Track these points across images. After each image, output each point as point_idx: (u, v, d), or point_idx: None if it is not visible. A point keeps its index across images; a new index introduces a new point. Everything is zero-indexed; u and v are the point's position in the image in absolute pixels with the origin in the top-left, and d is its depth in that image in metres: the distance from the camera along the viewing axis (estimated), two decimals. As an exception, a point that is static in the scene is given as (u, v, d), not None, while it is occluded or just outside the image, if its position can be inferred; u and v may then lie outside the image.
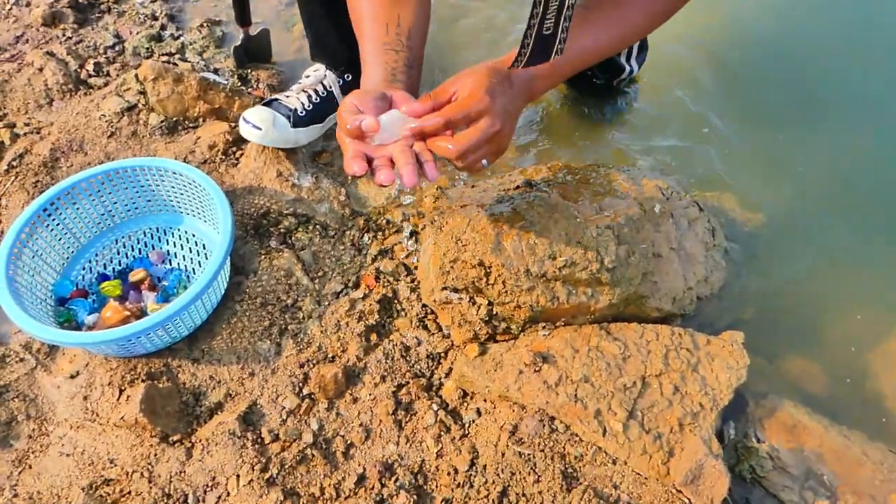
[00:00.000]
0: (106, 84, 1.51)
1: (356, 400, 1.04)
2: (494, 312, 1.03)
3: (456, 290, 1.03)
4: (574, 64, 0.96)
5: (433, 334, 1.11)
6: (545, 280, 1.01)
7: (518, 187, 1.16)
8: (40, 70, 1.49)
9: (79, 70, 1.53)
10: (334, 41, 1.32)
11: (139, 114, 1.42)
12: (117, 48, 1.65)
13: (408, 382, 1.06)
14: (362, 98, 0.84)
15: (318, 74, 1.34)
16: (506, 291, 1.00)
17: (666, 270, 1.14)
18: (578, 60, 0.96)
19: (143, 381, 1.03)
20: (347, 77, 1.35)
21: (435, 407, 1.02)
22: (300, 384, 1.05)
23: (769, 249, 1.34)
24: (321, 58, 1.35)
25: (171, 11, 1.79)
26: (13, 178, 1.30)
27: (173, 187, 1.21)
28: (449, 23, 1.80)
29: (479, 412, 1.01)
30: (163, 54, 1.64)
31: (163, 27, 1.73)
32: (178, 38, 1.70)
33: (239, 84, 1.56)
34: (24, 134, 1.37)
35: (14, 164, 1.31)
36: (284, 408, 1.03)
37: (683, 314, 1.17)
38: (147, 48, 1.65)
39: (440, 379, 1.07)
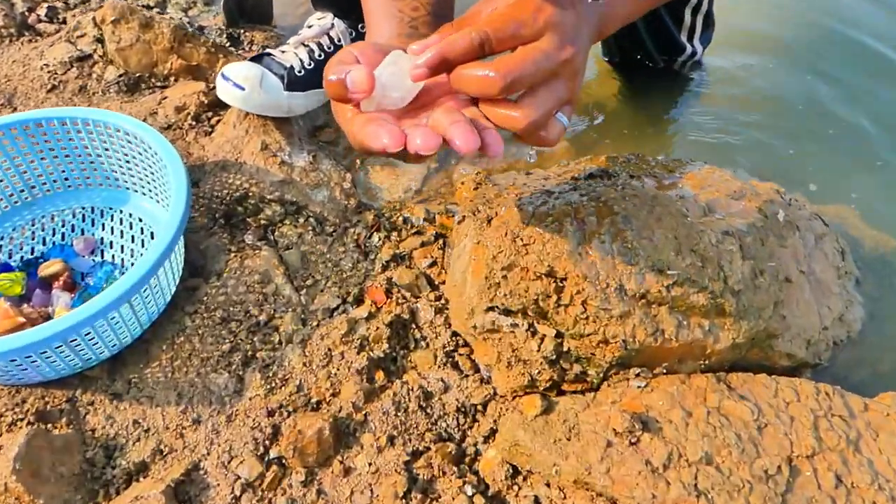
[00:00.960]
0: (58, 32, 1.18)
1: (349, 471, 0.69)
2: (566, 349, 0.68)
3: (508, 313, 0.68)
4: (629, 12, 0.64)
5: (467, 377, 0.76)
6: (646, 303, 0.66)
7: (592, 175, 0.82)
8: (-23, 10, 1.17)
9: (26, 14, 1.20)
10: None
11: (93, 66, 1.09)
12: (83, -4, 1.33)
13: (428, 448, 0.70)
14: (364, 48, 0.52)
15: (323, 24, 1.01)
16: (587, 318, 0.65)
17: (797, 301, 0.80)
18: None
19: (29, 423, 0.68)
20: (362, 27, 1.02)
21: (469, 490, 0.66)
22: (266, 442, 0.70)
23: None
24: (327, 3, 1.02)
25: (156, -37, 1.47)
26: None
27: (117, 153, 0.87)
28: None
29: (537, 502, 0.65)
30: (138, 6, 1.31)
31: (143, -21, 1.41)
32: (159, -9, 1.38)
33: (227, 44, 1.24)
34: (-60, 82, 1.04)
35: (-84, 116, 0.98)
36: (240, 478, 0.67)
37: (817, 364, 0.82)
38: (119, -1, 1.32)
39: (476, 445, 0.71)
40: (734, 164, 1.15)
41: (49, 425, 0.69)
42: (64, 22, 1.22)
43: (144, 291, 0.71)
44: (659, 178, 0.85)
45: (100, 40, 1.11)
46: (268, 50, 1.01)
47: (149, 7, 1.33)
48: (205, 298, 0.82)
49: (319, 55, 0.99)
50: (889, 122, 1.26)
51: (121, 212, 0.90)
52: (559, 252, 0.64)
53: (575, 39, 0.51)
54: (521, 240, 0.66)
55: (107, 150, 0.87)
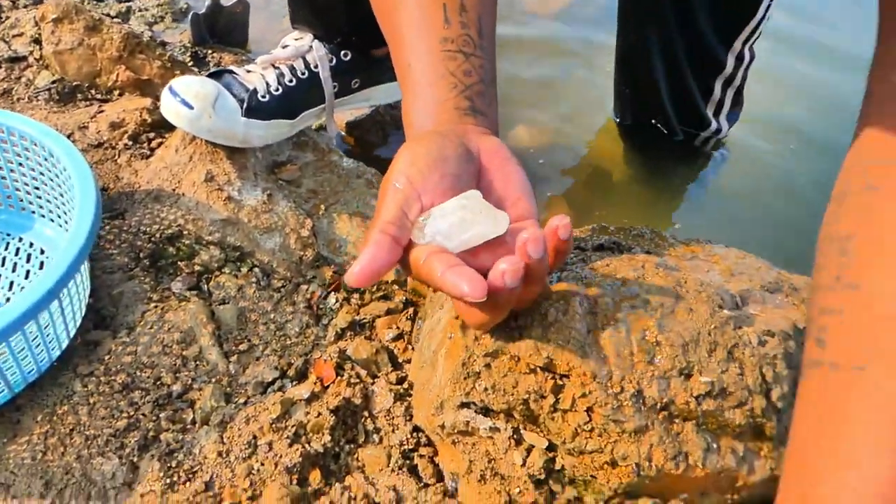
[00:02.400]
0: (-6, 31, 1.06)
1: None
2: (559, 467, 0.54)
3: (488, 412, 0.54)
4: None
5: (427, 486, 0.61)
6: (667, 417, 0.52)
7: (602, 247, 0.70)
8: None
9: (-40, 8, 1.08)
10: None
11: (25, 69, 0.96)
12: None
13: (367, 584, 0.54)
14: (425, 170, 0.49)
15: (299, 45, 0.90)
16: (591, 429, 0.51)
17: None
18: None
19: None
20: (345, 55, 0.91)
21: None
22: (153, 559, 0.54)
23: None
24: (308, 21, 0.91)
25: (125, -27, 1.37)
26: None
27: (22, 166, 0.73)
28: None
29: None
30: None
31: (108, -13, 1.30)
32: (124, 0, 1.28)
33: (190, 63, 1.12)
34: None
35: None
36: None
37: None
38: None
39: (430, 583, 0.56)
40: (753, 249, 1.05)
41: None
42: (4, 21, 1.10)
43: (16, 340, 0.56)
44: (680, 257, 0.73)
45: (37, 41, 0.98)
46: (230, 67, 0.89)
47: (108, 16, 1.22)
48: (106, 358, 0.66)
49: (290, 80, 0.88)
50: None
51: (19, 239, 0.76)
52: (563, 340, 0.51)
53: None
54: (514, 319, 0.53)
55: (9, 161, 0.73)
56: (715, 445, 0.54)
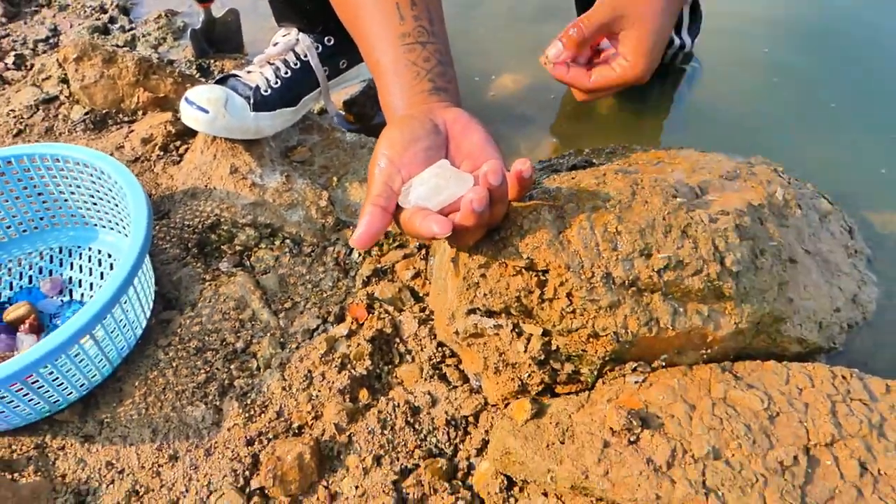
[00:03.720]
0: (25, 78, 1.19)
1: (335, 497, 0.66)
2: (554, 347, 0.65)
3: (490, 314, 0.66)
4: None
5: (455, 388, 0.74)
6: (636, 291, 0.63)
7: (574, 167, 0.80)
8: (-58, 62, 1.19)
9: (-8, 62, 1.22)
10: None
11: (59, 107, 1.10)
12: (51, 41, 1.35)
13: (417, 465, 0.67)
14: (401, 150, 0.61)
15: (287, 40, 1.01)
16: (573, 311, 0.63)
17: (804, 283, 0.77)
18: None
19: (-7, 473, 0.66)
20: (328, 40, 1.02)
21: (462, 507, 0.63)
22: (247, 473, 0.67)
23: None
24: (290, 17, 1.02)
25: (125, 3, 1.49)
26: None
27: (81, 188, 0.86)
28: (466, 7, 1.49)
29: (535, 515, 0.62)
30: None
31: (112, 19, 1.43)
32: (129, 30, 1.40)
33: (197, 75, 1.24)
34: None
35: None
36: (218, 513, 0.65)
37: (832, 348, 0.79)
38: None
39: (469, 458, 0.68)
40: (731, 149, 1.13)
41: (15, 474, 0.67)
42: (31, 68, 1.24)
43: (109, 325, 0.70)
44: (647, 163, 0.83)
45: (64, 80, 1.11)
46: (233, 71, 1.01)
47: (119, 47, 1.34)
48: (179, 330, 0.80)
49: (286, 72, 0.99)
50: (879, 104, 1.24)
51: (89, 249, 0.89)
52: (539, 243, 0.62)
53: None
54: (497, 233, 0.64)
55: (70, 186, 0.86)
56: (681, 309, 0.65)
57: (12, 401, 0.66)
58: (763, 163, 0.91)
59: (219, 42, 1.31)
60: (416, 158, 0.61)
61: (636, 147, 0.89)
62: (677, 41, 1.26)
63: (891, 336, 0.88)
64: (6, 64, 1.23)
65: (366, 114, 1.16)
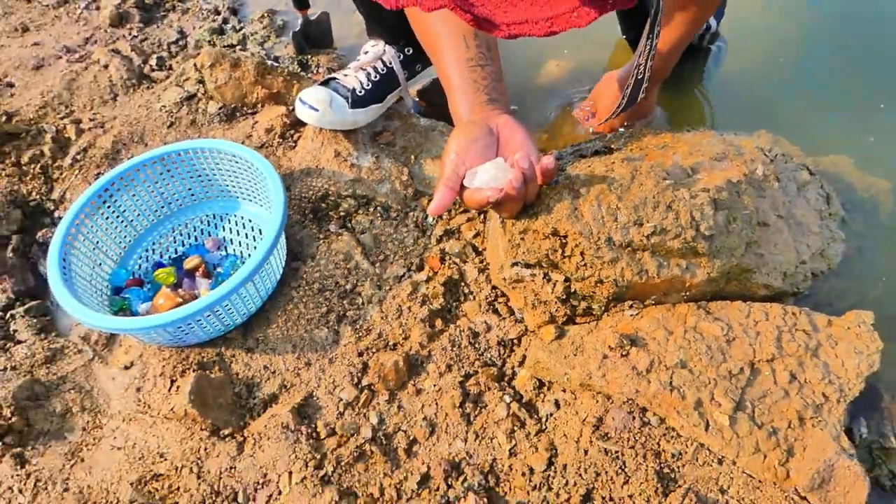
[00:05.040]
0: (168, 77, 1.49)
1: (419, 391, 0.94)
2: (573, 290, 0.90)
3: (528, 266, 0.91)
4: (676, 51, 1.11)
5: (504, 319, 1.00)
6: (631, 250, 0.87)
7: (596, 152, 1.03)
8: (105, 67, 1.49)
9: (142, 65, 1.52)
10: (390, 14, 1.23)
11: (198, 102, 1.38)
12: (180, 43, 1.63)
13: (476, 372, 0.95)
14: (465, 149, 0.85)
15: (376, 50, 1.26)
16: (585, 264, 0.87)
17: (774, 241, 0.98)
18: (672, 57, 1.10)
19: (194, 370, 0.97)
20: (408, 51, 1.26)
21: (507, 399, 0.90)
22: (359, 374, 0.96)
23: (898, 220, 1.15)
24: (378, 33, 1.27)
25: (234, 5, 1.76)
26: (77, 171, 1.28)
27: (228, 171, 1.15)
28: None
29: (557, 404, 0.88)
30: (224, 46, 1.61)
31: (225, 21, 1.70)
32: (239, 30, 1.68)
33: (299, 70, 1.51)
34: (89, 129, 1.36)
35: (78, 157, 1.30)
36: (342, 400, 0.94)
37: (797, 293, 1.01)
38: (209, 41, 1.63)
39: (513, 368, 0.95)
40: (744, 120, 1.32)
41: (207, 371, 0.98)
42: (171, 68, 1.53)
43: (261, 274, 0.99)
44: (654, 147, 1.05)
45: (201, 81, 1.40)
46: (333, 74, 1.27)
47: (232, 46, 1.62)
48: (304, 276, 1.09)
49: (375, 76, 1.24)
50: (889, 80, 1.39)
51: (235, 215, 1.19)
52: (560, 216, 0.87)
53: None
54: (532, 209, 0.89)
55: (219, 168, 1.15)
56: (665, 263, 0.88)
57: (202, 323, 0.96)
58: (757, 140, 1.11)
59: (315, 40, 1.56)
60: (476, 153, 0.86)
61: (646, 131, 1.10)
62: (704, 25, 1.43)
63: (859, 283, 1.08)
64: (151, 66, 1.53)
65: (436, 102, 1.40)
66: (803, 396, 0.83)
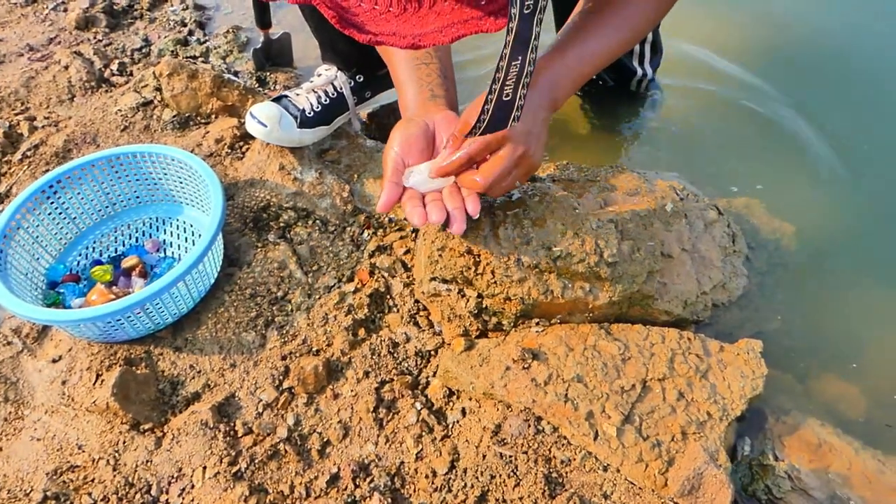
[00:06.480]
0: (127, 83, 1.52)
1: (337, 396, 0.98)
2: (484, 306, 0.95)
3: (445, 281, 0.96)
4: (592, 67, 0.94)
5: (424, 331, 1.04)
6: (538, 272, 0.93)
7: (553, 178, 1.09)
8: (66, 68, 1.52)
9: (103, 69, 1.55)
10: (345, 45, 1.29)
11: (154, 109, 1.42)
12: (144, 50, 1.67)
13: (392, 379, 0.99)
14: (406, 146, 0.88)
15: (329, 74, 1.31)
16: (495, 282, 0.92)
17: (677, 272, 1.05)
18: (591, 65, 0.93)
19: (120, 366, 0.99)
20: (359, 78, 1.31)
21: (419, 406, 0.94)
22: (280, 377, 1.00)
23: (799, 261, 1.23)
24: (332, 59, 1.32)
25: (201, 19, 1.81)
26: (25, 167, 1.30)
27: (175, 176, 1.18)
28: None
29: (464, 412, 0.93)
30: (187, 57, 1.65)
31: (190, 33, 1.75)
32: (203, 42, 1.72)
33: (256, 85, 1.55)
34: (43, 126, 1.38)
35: (28, 153, 1.32)
36: (262, 400, 0.97)
37: (697, 321, 1.07)
38: (172, 51, 1.66)
39: (427, 377, 0.99)
40: (671, 161, 1.40)
41: (133, 367, 1.00)
42: (131, 74, 1.56)
43: (194, 275, 1.02)
44: (575, 181, 1.12)
45: (158, 89, 1.43)
46: (286, 92, 1.31)
47: (195, 57, 1.66)
48: (238, 281, 1.12)
49: (325, 100, 1.29)
50: (823, 126, 1.49)
51: (177, 220, 1.22)
52: (476, 237, 0.92)
53: (527, 138, 0.84)
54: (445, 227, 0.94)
55: (166, 174, 1.18)
56: (570, 285, 0.94)
57: (132, 320, 0.98)
58: (669, 181, 1.18)
59: (275, 58, 1.61)
60: (414, 150, 0.89)
61: (570, 165, 1.16)
62: (640, 71, 1.51)
63: (753, 315, 1.15)
64: (112, 70, 1.56)
65: (384, 125, 1.46)
66: (689, 413, 0.88)
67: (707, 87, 1.60)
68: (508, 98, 0.73)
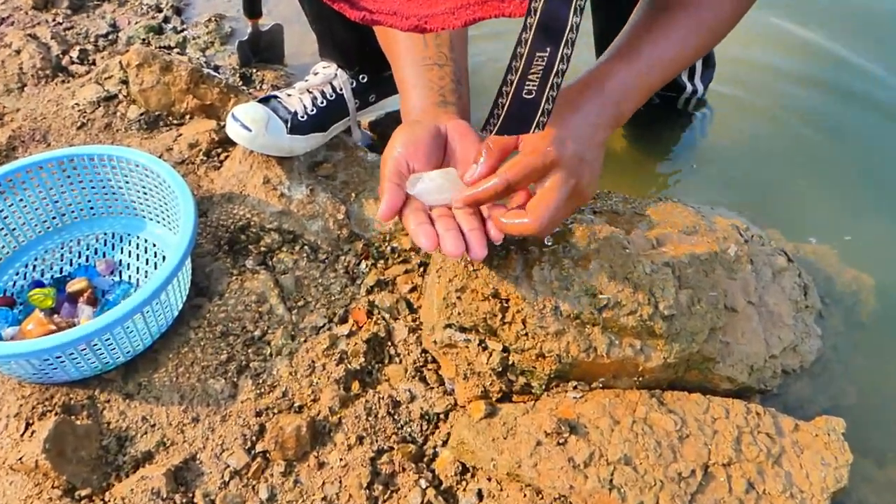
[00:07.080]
0: (88, 73, 1.45)
1: (322, 465, 0.89)
2: (511, 362, 0.87)
3: (463, 329, 0.88)
4: (661, 77, 0.86)
5: (432, 388, 0.96)
6: (579, 323, 0.85)
7: (594, 210, 1.02)
8: (18, 52, 1.45)
9: (61, 56, 1.48)
10: (347, 38, 1.22)
11: (118, 105, 1.35)
12: (110, 37, 1.60)
13: (392, 448, 0.90)
14: (412, 148, 0.80)
15: (327, 73, 1.25)
16: (526, 334, 0.84)
17: (742, 330, 0.97)
18: (661, 74, 0.85)
19: (56, 414, 0.90)
20: (362, 78, 1.25)
21: (423, 483, 0.85)
22: (254, 438, 0.91)
23: (880, 321, 1.16)
24: (331, 55, 1.25)
25: (179, 4, 1.75)
26: (-40, 166, 1.22)
27: (137, 185, 1.11)
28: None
29: (480, 495, 0.84)
30: (160, 47, 1.59)
31: (166, 19, 1.69)
32: (180, 31, 1.66)
33: (240, 83, 1.49)
34: (-16, 119, 1.31)
35: (-36, 150, 1.25)
36: (229, 466, 0.88)
37: (764, 390, 1.00)
38: (143, 39, 1.60)
39: (435, 447, 0.91)
40: (726, 195, 1.34)
41: (73, 417, 0.91)
42: (94, 63, 1.50)
43: (154, 306, 0.94)
44: (620, 213, 1.04)
45: (125, 82, 1.36)
46: (275, 92, 1.24)
47: (170, 47, 1.60)
48: (207, 315, 1.04)
49: (321, 102, 1.22)
50: (887, 166, 1.43)
51: (138, 237, 1.14)
52: (504, 276, 0.84)
53: (580, 166, 0.75)
54: (473, 265, 0.86)
55: (127, 182, 1.11)
56: (617, 342, 0.86)
57: (75, 358, 0.90)
58: (730, 218, 1.11)
59: (263, 53, 1.55)
60: (421, 154, 0.81)
61: (613, 195, 1.09)
62: (689, 87, 1.46)
63: (828, 385, 1.08)
64: (71, 57, 1.49)
65: (387, 135, 1.38)
66: (759, 511, 0.80)
67: (764, 112, 1.54)
68: (532, 97, 0.64)
